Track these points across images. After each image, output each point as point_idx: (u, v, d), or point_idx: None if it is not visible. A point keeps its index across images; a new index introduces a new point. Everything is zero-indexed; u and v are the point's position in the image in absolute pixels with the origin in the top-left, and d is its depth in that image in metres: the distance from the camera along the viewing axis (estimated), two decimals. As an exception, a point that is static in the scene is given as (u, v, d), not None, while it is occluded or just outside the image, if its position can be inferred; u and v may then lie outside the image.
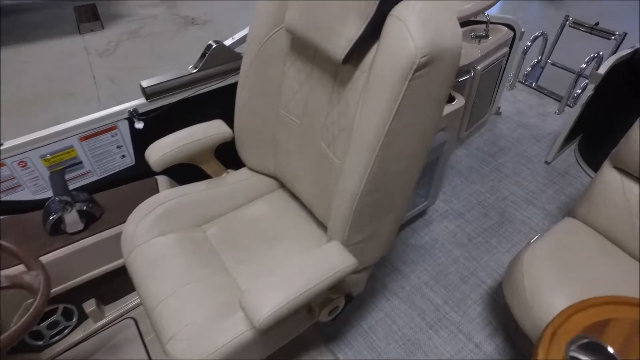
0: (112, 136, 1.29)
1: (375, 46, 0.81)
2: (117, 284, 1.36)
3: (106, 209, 1.28)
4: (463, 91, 1.84)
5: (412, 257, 1.69)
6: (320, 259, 0.87)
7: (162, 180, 1.40)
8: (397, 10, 0.73)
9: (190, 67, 1.35)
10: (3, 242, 0.89)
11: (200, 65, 1.34)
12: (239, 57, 1.37)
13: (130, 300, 1.43)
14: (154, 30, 3.97)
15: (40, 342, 1.29)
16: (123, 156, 1.35)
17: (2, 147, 1.15)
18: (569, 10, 4.33)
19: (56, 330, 1.31)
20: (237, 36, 1.37)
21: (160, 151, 1.11)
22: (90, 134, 1.24)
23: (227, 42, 1.37)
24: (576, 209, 1.37)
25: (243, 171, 1.28)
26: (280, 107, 1.11)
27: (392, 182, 0.85)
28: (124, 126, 1.29)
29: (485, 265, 1.67)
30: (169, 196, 1.15)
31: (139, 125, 1.29)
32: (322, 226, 1.17)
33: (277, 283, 0.82)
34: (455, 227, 1.81)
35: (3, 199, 1.21)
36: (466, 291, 1.58)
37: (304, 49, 0.99)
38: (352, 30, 0.78)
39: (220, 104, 1.38)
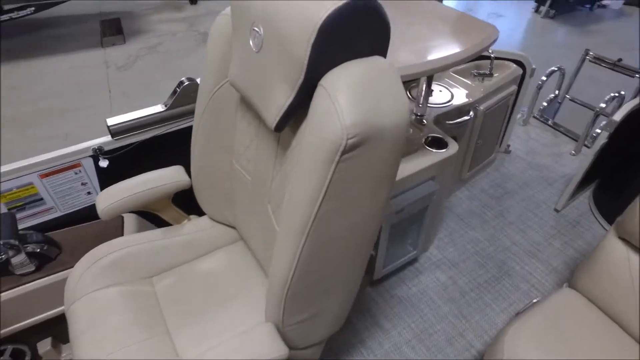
0: (76, 173, 1.25)
1: (306, 120, 0.72)
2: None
3: (65, 249, 1.23)
4: (463, 132, 1.72)
5: (396, 311, 1.57)
6: (246, 348, 0.78)
7: (129, 218, 1.35)
8: (327, 79, 0.63)
9: (160, 105, 1.30)
10: None
11: (170, 103, 1.29)
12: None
13: None
14: (172, 48, 4.02)
15: (-8, 383, 1.26)
16: (89, 193, 1.31)
17: (-43, 184, 1.13)
18: (598, 36, 4.09)
19: (8, 371, 1.27)
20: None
21: (109, 199, 1.05)
22: (51, 171, 1.21)
23: (199, 80, 1.31)
24: (576, 277, 1.22)
25: (203, 219, 1.20)
26: (233, 160, 1.03)
27: (328, 265, 0.76)
28: (89, 163, 1.25)
29: (476, 326, 1.52)
30: (119, 245, 1.09)
31: (104, 163, 1.25)
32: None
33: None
34: (447, 278, 1.68)
35: (-41, 234, 1.19)
36: (451, 354, 1.44)
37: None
38: (282, 98, 0.69)
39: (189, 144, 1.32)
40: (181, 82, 1.29)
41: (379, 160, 0.65)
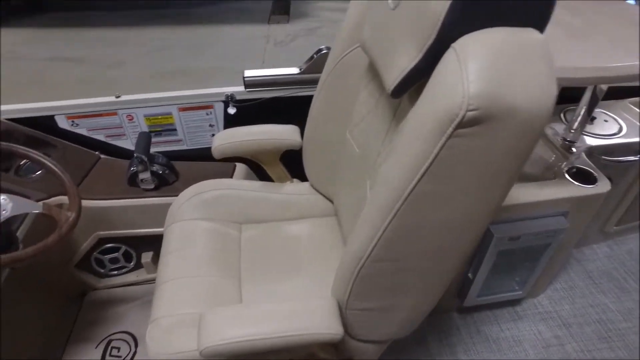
0: (207, 114, 1.36)
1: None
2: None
3: (181, 178, 1.35)
4: (623, 175, 1.42)
5: (479, 349, 1.38)
6: (303, 313, 0.74)
7: (240, 168, 1.42)
8: (461, 42, 0.54)
9: (295, 68, 1.33)
10: (67, 180, 1.00)
11: (305, 68, 1.31)
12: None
13: None
14: (329, 33, 4.17)
15: (102, 270, 1.46)
16: (212, 135, 1.42)
17: (118, 99, 1.31)
18: None
19: (115, 266, 1.46)
20: (350, 47, 1.29)
21: (225, 139, 1.11)
22: (188, 107, 1.33)
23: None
24: None
25: (304, 185, 1.20)
26: (347, 129, 1.00)
27: (409, 257, 0.67)
28: (219, 107, 1.35)
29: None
30: (222, 185, 1.15)
31: (232, 110, 1.33)
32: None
33: (242, 317, 0.73)
34: (552, 337, 1.41)
35: (110, 142, 1.39)
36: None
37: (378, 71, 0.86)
38: (404, 60, 0.62)
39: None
40: (319, 50, 1.30)
41: (502, 147, 0.54)
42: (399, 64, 0.64)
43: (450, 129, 0.53)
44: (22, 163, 1.27)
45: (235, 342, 0.69)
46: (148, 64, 3.75)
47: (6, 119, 1.29)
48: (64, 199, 1.20)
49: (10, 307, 1.15)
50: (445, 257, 0.68)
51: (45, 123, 1.34)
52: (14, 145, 0.99)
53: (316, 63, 1.29)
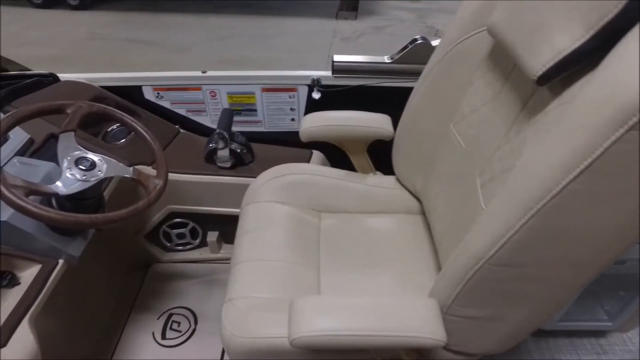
0: (290, 97, 1.33)
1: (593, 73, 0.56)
2: (240, 230, 1.42)
3: (256, 160, 1.33)
4: None
5: (554, 378, 1.26)
6: (403, 312, 0.68)
7: (316, 155, 1.38)
8: None
9: (387, 56, 1.27)
10: (157, 148, 1.00)
11: (397, 57, 1.24)
12: (440, 62, 1.22)
13: None
14: (397, 32, 4.09)
15: (168, 244, 1.47)
16: (292, 119, 1.39)
17: (204, 74, 1.31)
18: None
19: (181, 242, 1.46)
20: (448, 38, 1.22)
21: (313, 122, 1.07)
22: (271, 88, 1.31)
23: (434, 43, 1.23)
24: None
25: (389, 179, 1.14)
26: (451, 122, 0.92)
27: (542, 265, 0.59)
28: (303, 91, 1.31)
29: None
30: (303, 169, 1.11)
31: (316, 95, 1.29)
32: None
33: (337, 309, 0.67)
34: (640, 378, 1.27)
35: (190, 117, 1.40)
36: None
37: (501, 60, 0.78)
38: (565, 40, 0.54)
39: (399, 104, 1.26)
40: (414, 39, 1.23)
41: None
42: (555, 45, 0.56)
43: (633, 121, 0.44)
44: (108, 130, 1.30)
45: (330, 335, 0.64)
46: (214, 50, 3.84)
47: (99, 86, 1.32)
48: (146, 169, 1.21)
49: (86, 270, 1.17)
50: (584, 269, 0.59)
51: (133, 93, 1.36)
52: (112, 108, 0.99)
53: (410, 53, 1.23)
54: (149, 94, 1.37)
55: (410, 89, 1.26)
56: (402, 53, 1.24)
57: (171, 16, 4.57)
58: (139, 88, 1.36)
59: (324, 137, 1.08)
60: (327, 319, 0.66)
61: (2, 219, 0.83)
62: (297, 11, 4.64)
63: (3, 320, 0.79)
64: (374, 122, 1.08)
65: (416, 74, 1.24)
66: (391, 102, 1.29)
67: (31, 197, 0.76)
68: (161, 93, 1.36)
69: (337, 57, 1.26)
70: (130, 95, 1.36)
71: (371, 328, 0.65)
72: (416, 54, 1.23)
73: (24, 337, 0.79)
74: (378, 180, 1.12)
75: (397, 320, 0.66)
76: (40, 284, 0.86)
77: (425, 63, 1.23)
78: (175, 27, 4.25)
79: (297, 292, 0.89)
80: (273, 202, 1.07)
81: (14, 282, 0.86)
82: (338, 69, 1.26)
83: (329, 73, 1.29)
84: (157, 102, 1.38)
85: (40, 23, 4.24)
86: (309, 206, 1.09)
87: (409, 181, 1.08)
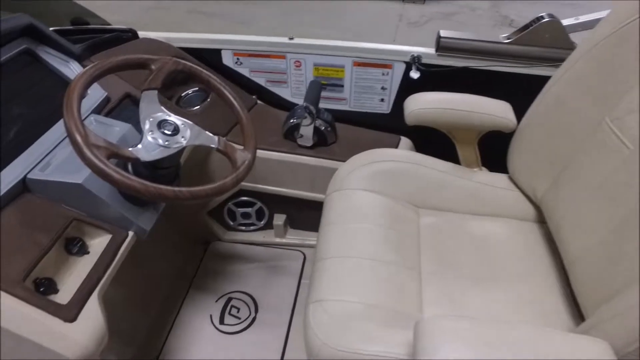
0: (383, 74, 1.18)
1: None
2: (309, 216, 1.31)
3: (339, 141, 1.20)
4: None
5: None
6: (571, 355, 0.53)
7: (404, 142, 1.23)
8: None
9: (503, 35, 1.10)
10: (245, 117, 0.88)
11: (516, 37, 1.07)
12: (569, 47, 1.04)
13: (312, 237, 1.38)
14: (468, 20, 3.82)
15: (231, 223, 1.37)
16: (382, 100, 1.24)
17: (291, 41, 1.18)
18: None
19: (245, 221, 1.36)
20: (584, 18, 1.03)
21: (423, 104, 0.92)
22: (364, 62, 1.17)
23: (566, 22, 1.04)
24: None
25: (501, 177, 0.98)
26: (607, 116, 0.75)
27: None
28: (399, 69, 1.17)
29: None
30: (399, 157, 0.97)
31: (415, 74, 1.14)
32: (570, 299, 0.79)
33: (481, 337, 0.53)
34: None
35: (269, 88, 1.28)
36: None
37: None
38: None
39: (513, 92, 1.08)
40: (539, 17, 1.05)
41: None
42: None
43: None
44: (183, 94, 1.20)
45: None
46: (274, 25, 3.72)
47: (178, 47, 1.22)
48: None
49: (148, 244, 1.09)
50: None
51: (211, 57, 1.25)
52: (198, 67, 0.88)
53: (533, 32, 1.05)
54: (227, 59, 1.26)
55: (530, 76, 1.09)
56: (522, 33, 1.06)
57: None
58: (218, 52, 1.25)
59: (432, 122, 0.93)
60: (467, 350, 0.52)
61: (78, 181, 0.74)
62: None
63: (74, 292, 0.71)
64: (495, 110, 0.92)
65: (538, 59, 1.07)
66: (504, 89, 1.12)
67: (110, 160, 0.67)
68: (241, 59, 1.25)
69: (444, 32, 1.10)
70: (207, 59, 1.25)
71: None
72: (540, 36, 1.05)
73: (93, 313, 0.71)
74: (489, 178, 0.96)
75: None
76: (110, 256, 0.78)
77: (551, 46, 1.06)
78: (238, 0, 4.16)
79: (398, 301, 0.76)
80: (364, 191, 0.94)
81: (83, 250, 0.78)
82: (444, 46, 1.10)
83: (432, 50, 1.13)
84: (236, 69, 1.27)
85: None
86: (406, 199, 0.95)
87: (527, 183, 0.92)
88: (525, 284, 0.81)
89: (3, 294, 0.64)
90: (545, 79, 0.87)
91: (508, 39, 1.09)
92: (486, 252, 0.87)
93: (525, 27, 1.07)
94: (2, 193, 0.71)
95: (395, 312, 0.73)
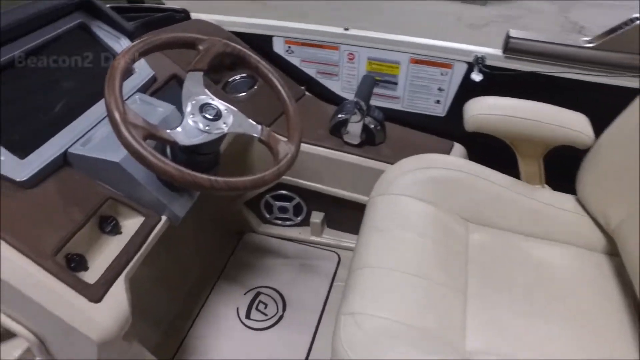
0: (442, 74, 1.10)
1: None
2: (348, 217, 1.25)
3: (387, 142, 1.13)
4: None
5: None
6: None
7: (457, 148, 1.14)
8: None
9: (584, 39, 0.98)
10: (292, 107, 0.84)
11: (601, 42, 0.95)
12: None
13: (349, 239, 1.32)
14: (532, 24, 3.59)
15: (268, 216, 1.34)
16: (437, 102, 1.15)
17: (346, 32, 1.12)
18: None
19: (282, 216, 1.32)
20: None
21: (486, 109, 0.84)
22: (422, 60, 1.08)
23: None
24: None
25: (567, 198, 0.87)
26: None
27: None
28: (460, 70, 1.07)
29: None
30: (457, 166, 0.89)
31: (477, 77, 1.05)
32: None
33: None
34: None
35: (319, 79, 1.22)
36: None
37: None
38: None
39: (591, 105, 0.96)
40: (633, 19, 0.92)
41: None
42: None
43: None
44: (230, 80, 1.17)
45: None
46: (330, 20, 3.65)
47: (229, 31, 1.19)
48: None
49: (181, 229, 1.08)
50: None
51: (262, 43, 1.21)
52: (247, 51, 0.84)
53: (624, 36, 0.92)
54: (278, 47, 1.21)
55: (612, 87, 0.97)
56: (608, 36, 0.95)
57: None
58: (269, 38, 1.20)
59: (494, 130, 0.84)
60: None
61: (116, 160, 0.72)
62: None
63: (102, 272, 0.69)
64: (570, 122, 0.81)
65: (627, 68, 0.94)
66: (578, 100, 1.00)
67: (147, 141, 0.64)
68: (292, 47, 1.20)
69: (514, 32, 1.00)
70: (257, 45, 1.21)
71: None
72: (631, 40, 0.92)
73: (118, 295, 0.69)
74: (553, 198, 0.86)
75: None
76: (142, 239, 0.75)
77: (641, 54, 0.93)
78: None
79: (439, 326, 0.68)
80: (412, 198, 0.86)
81: (116, 230, 0.76)
82: (514, 48, 1.00)
83: (498, 51, 1.03)
84: (286, 58, 1.23)
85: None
86: (456, 212, 0.86)
87: (600, 209, 0.81)
88: (589, 323, 0.71)
89: (34, 265, 0.63)
90: (631, 92, 0.76)
91: (591, 43, 0.97)
92: (543, 280, 0.77)
93: (613, 30, 0.95)
94: (43, 165, 0.71)
95: (435, 338, 0.66)
